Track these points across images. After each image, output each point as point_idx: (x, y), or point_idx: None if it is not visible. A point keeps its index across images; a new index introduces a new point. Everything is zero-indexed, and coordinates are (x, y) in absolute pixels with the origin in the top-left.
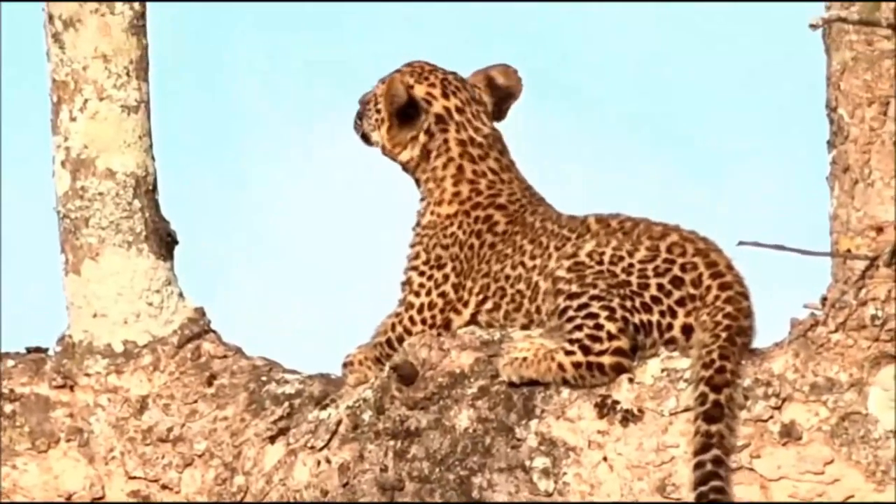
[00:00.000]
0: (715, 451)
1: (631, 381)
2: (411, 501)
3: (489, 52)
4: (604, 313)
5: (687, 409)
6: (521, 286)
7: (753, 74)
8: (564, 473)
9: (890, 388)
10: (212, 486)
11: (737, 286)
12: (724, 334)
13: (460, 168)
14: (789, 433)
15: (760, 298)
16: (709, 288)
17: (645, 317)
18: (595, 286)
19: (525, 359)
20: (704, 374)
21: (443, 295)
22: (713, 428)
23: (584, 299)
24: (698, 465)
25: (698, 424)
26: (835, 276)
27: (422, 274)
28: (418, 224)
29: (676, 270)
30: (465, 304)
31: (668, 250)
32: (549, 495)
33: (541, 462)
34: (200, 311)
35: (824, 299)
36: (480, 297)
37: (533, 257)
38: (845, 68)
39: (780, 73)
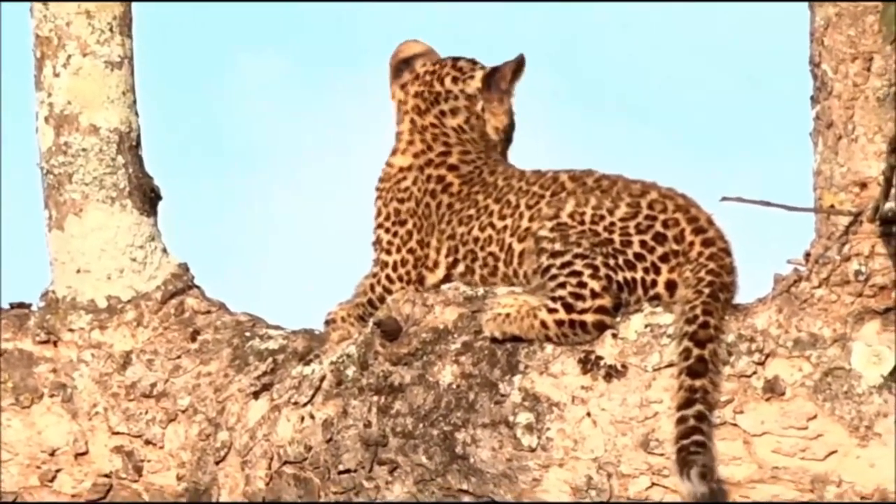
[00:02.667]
0: (698, 407)
1: (614, 336)
2: (394, 457)
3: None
4: (587, 271)
5: (670, 365)
6: (494, 248)
7: (735, 28)
8: (548, 429)
9: (873, 344)
10: (195, 441)
11: (719, 242)
12: (707, 290)
13: (413, 121)
14: (773, 389)
15: (744, 254)
16: (692, 244)
17: (629, 274)
18: (579, 245)
19: (508, 315)
20: (688, 330)
21: (411, 251)
22: (697, 383)
23: (567, 257)
24: (681, 420)
25: (682, 380)
26: (818, 231)
27: (387, 231)
28: (378, 180)
29: (658, 227)
30: (436, 265)
31: (650, 207)
32: (533, 450)
33: (524, 417)
34: (184, 267)
35: (808, 255)
36: (450, 259)
37: (502, 217)
38: (829, 24)
39: (763, 28)
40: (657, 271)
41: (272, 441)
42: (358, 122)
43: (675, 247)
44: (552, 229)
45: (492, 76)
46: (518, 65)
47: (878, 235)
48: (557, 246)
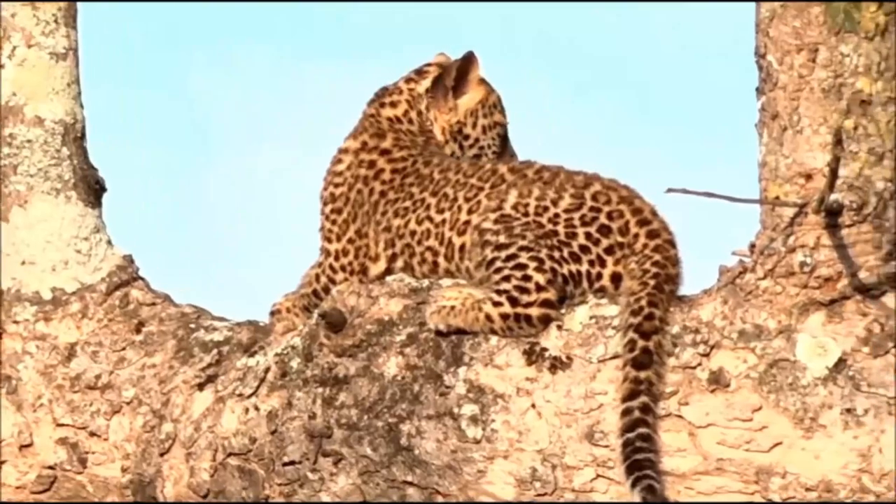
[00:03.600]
0: (643, 398)
1: (559, 328)
2: (339, 449)
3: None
4: (532, 264)
5: (615, 357)
6: (432, 242)
7: (682, 20)
8: (493, 420)
9: (818, 335)
10: (140, 433)
11: (664, 234)
12: (652, 282)
13: (363, 112)
14: (717, 380)
15: (689, 245)
16: (636, 236)
17: (574, 267)
18: (523, 237)
19: (453, 307)
20: (633, 322)
21: (351, 241)
22: (642, 375)
23: (512, 250)
24: (626, 412)
25: (627, 371)
26: (763, 223)
27: (327, 218)
28: None
29: (603, 219)
30: (377, 257)
31: (594, 198)
32: (478, 442)
33: (469, 409)
34: (129, 259)
35: (752, 246)
36: (389, 252)
37: (440, 211)
38: (774, 15)
39: (710, 20)
40: (602, 264)
41: (217, 433)
42: (318, 113)
43: (619, 239)
44: (496, 221)
45: (441, 76)
46: (464, 62)
47: (824, 227)
48: (502, 238)
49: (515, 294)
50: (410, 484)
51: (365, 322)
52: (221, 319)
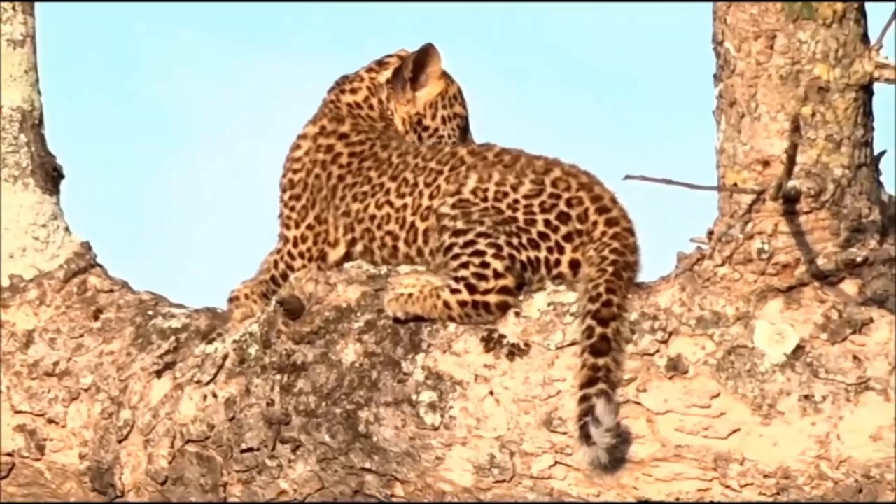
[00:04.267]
0: (601, 385)
1: (517, 315)
2: (297, 435)
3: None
4: (490, 251)
5: (573, 343)
6: (393, 227)
7: (677, 19)
8: (451, 407)
9: (776, 322)
10: (98, 420)
11: (623, 221)
12: (610, 269)
13: (323, 100)
14: (676, 367)
15: (647, 232)
16: (595, 223)
17: (532, 253)
18: (482, 223)
19: (411, 295)
20: (591, 308)
21: (310, 227)
22: (600, 361)
23: (470, 236)
24: (584, 399)
25: (585, 358)
26: (721, 209)
27: (286, 204)
28: None
29: (562, 206)
30: (336, 242)
31: (553, 185)
32: (436, 429)
33: (427, 396)
34: (86, 246)
35: (711, 233)
36: (349, 237)
37: (401, 195)
38: (732, 2)
39: (705, 19)
40: (561, 251)
41: (175, 420)
42: (284, 101)
43: (578, 226)
44: (454, 206)
45: (400, 68)
46: (421, 54)
47: (781, 214)
48: (460, 224)
49: (473, 281)
50: (368, 471)
51: (323, 309)
52: (179, 306)
